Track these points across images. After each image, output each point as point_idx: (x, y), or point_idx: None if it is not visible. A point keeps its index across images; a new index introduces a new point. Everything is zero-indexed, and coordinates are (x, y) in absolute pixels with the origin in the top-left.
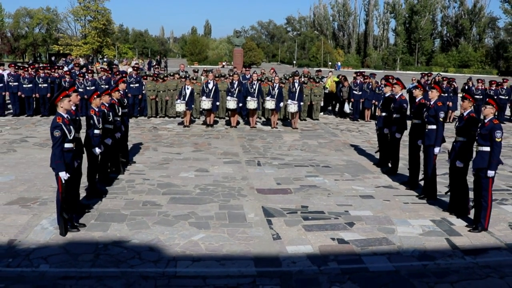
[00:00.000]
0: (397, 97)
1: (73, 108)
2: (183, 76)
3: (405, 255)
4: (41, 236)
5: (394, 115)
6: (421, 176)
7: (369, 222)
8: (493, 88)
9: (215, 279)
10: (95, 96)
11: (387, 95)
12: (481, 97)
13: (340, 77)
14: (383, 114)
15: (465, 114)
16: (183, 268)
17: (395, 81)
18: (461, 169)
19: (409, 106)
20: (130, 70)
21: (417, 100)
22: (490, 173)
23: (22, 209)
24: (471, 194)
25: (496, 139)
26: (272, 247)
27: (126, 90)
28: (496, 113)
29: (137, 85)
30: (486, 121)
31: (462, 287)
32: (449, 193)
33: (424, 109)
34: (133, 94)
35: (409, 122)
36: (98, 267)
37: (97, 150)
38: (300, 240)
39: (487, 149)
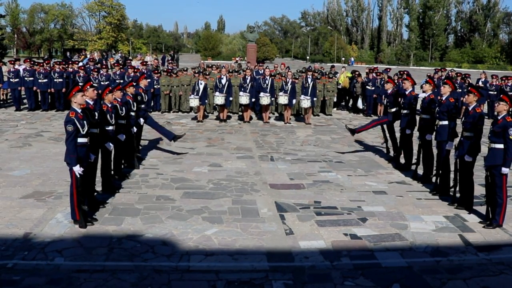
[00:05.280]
0: (407, 92)
1: (91, 103)
2: (197, 72)
3: (418, 251)
4: (56, 230)
5: (403, 111)
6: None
7: (382, 217)
8: (510, 84)
9: (228, 274)
10: (107, 92)
11: (389, 91)
12: (495, 93)
13: (354, 72)
14: (393, 109)
15: (470, 108)
16: (196, 263)
17: (404, 76)
18: (467, 164)
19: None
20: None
21: (426, 95)
22: (505, 170)
23: (37, 203)
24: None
25: (510, 137)
26: (285, 242)
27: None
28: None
29: (148, 80)
30: (499, 118)
31: (475, 284)
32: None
33: (435, 105)
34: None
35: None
36: (112, 261)
37: (110, 146)
38: (312, 235)
39: (500, 146)
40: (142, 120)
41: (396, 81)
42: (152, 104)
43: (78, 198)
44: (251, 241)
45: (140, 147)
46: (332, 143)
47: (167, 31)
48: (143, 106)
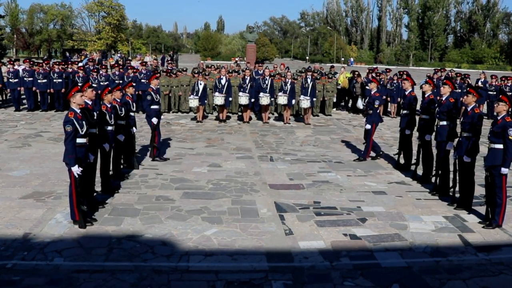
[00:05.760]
0: (406, 93)
1: (90, 103)
2: (196, 72)
3: (417, 251)
4: (56, 230)
5: (403, 111)
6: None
7: (382, 218)
8: (509, 84)
9: (228, 274)
10: (106, 92)
11: (373, 91)
12: (495, 93)
13: (354, 73)
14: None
15: (469, 109)
16: (196, 263)
17: (404, 76)
18: (467, 164)
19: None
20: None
21: (426, 96)
22: (504, 170)
23: (37, 203)
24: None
25: (510, 137)
26: (285, 242)
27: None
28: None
29: (147, 80)
30: (498, 118)
31: (475, 284)
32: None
33: (435, 105)
34: (143, 90)
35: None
36: (111, 261)
37: (107, 146)
38: (312, 236)
39: (500, 146)
40: (155, 119)
41: (380, 80)
42: None
43: (78, 199)
44: (250, 241)
45: (158, 145)
46: (332, 143)
47: (166, 32)
48: (156, 107)
